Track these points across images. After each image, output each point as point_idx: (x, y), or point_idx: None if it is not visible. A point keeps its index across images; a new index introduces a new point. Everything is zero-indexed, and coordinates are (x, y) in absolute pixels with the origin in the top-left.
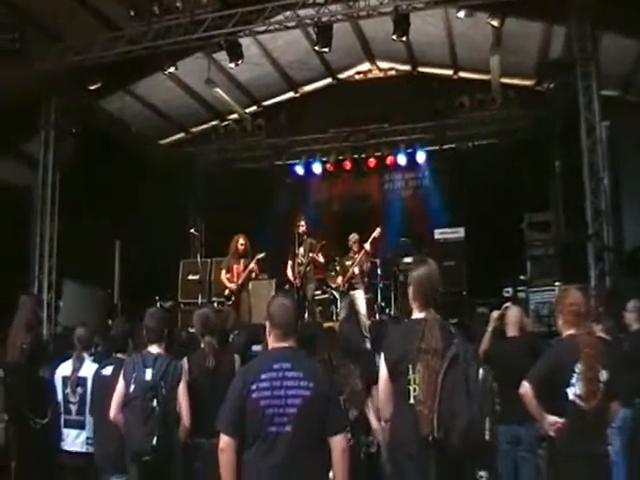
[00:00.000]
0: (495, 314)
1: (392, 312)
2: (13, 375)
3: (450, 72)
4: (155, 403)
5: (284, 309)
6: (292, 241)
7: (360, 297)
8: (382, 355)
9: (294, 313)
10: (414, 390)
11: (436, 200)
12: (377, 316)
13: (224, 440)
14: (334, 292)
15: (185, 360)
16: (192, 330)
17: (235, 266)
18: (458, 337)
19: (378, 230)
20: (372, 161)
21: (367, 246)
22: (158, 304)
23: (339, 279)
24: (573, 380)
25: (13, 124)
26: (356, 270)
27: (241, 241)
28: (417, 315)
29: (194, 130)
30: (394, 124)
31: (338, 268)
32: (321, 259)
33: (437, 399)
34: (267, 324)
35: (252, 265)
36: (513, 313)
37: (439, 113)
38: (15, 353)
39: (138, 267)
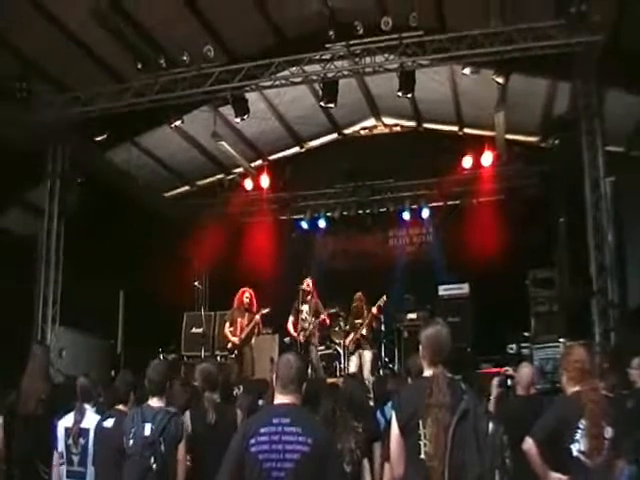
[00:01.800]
0: (496, 382)
1: (395, 368)
2: (28, 425)
3: (455, 128)
4: (153, 460)
5: (289, 364)
6: (296, 297)
7: (368, 358)
8: (393, 413)
9: (298, 370)
10: (424, 445)
11: (440, 256)
12: (380, 372)
13: None
14: (338, 348)
15: (187, 414)
16: (195, 383)
17: (239, 319)
18: (468, 393)
19: (384, 298)
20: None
21: (374, 310)
22: (161, 356)
23: (349, 337)
24: (577, 436)
25: (20, 173)
26: (364, 331)
27: (246, 295)
28: (427, 372)
29: (199, 183)
30: (399, 179)
31: (343, 324)
32: (327, 321)
33: (447, 453)
34: (273, 378)
35: (257, 318)
36: (526, 372)
37: (444, 169)
38: (31, 403)
39: (142, 318)
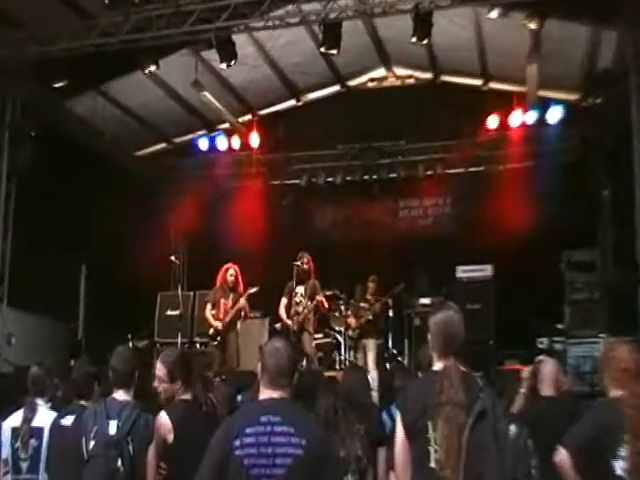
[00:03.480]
0: (526, 372)
1: (405, 361)
2: None
3: (479, 82)
4: (120, 463)
5: (278, 353)
6: (291, 276)
7: (373, 349)
8: (398, 414)
9: (290, 359)
10: (435, 451)
11: (460, 232)
12: (387, 366)
13: None
14: (337, 336)
15: (164, 414)
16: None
17: (222, 301)
18: (485, 389)
19: (401, 286)
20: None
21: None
22: (130, 343)
23: (351, 322)
24: (622, 451)
25: None
26: (369, 317)
27: (231, 272)
28: (436, 366)
29: (177, 140)
30: (412, 141)
31: (344, 309)
32: (326, 304)
33: (462, 460)
34: (259, 369)
35: (242, 301)
36: (548, 368)
37: (465, 130)
38: None
39: (107, 297)
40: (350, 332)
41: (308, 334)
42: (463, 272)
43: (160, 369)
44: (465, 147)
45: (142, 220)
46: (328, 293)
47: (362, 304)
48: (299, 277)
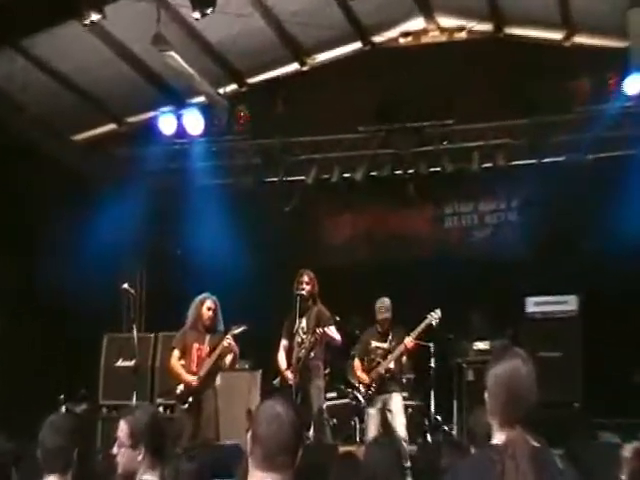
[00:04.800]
0: (629, 450)
1: (454, 430)
2: None
3: (559, 35)
4: None
5: (277, 421)
6: (291, 309)
7: (397, 405)
8: None
9: (293, 429)
10: None
11: (531, 248)
12: (428, 437)
13: None
14: (358, 395)
15: None
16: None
17: (196, 346)
18: (567, 473)
19: (435, 317)
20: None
21: (408, 340)
22: (64, 407)
23: (362, 376)
24: None
25: None
26: (391, 364)
27: (208, 304)
28: (497, 438)
29: (132, 120)
30: (463, 120)
31: (361, 353)
32: (336, 336)
33: None
34: (249, 442)
35: (225, 344)
36: None
37: (540, 104)
38: None
39: (30, 342)
40: (369, 386)
41: (316, 390)
42: (536, 305)
43: (122, 429)
44: (540, 129)
45: (80, 228)
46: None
47: (379, 345)
48: (301, 305)
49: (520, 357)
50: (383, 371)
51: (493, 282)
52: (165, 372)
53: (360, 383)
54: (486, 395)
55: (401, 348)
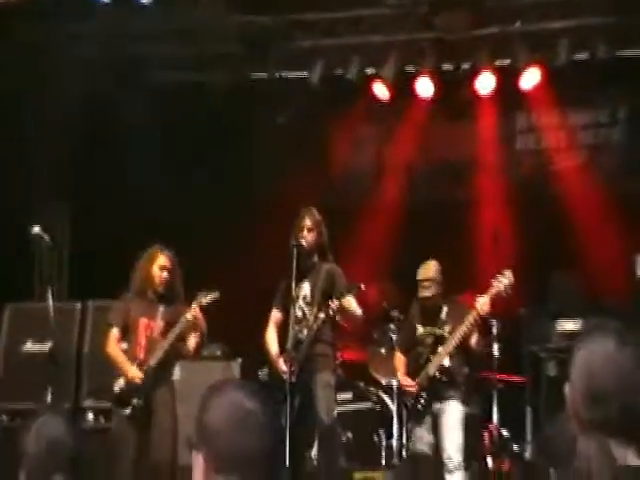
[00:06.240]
0: None
1: (526, 452)
2: None
3: None
4: None
5: (244, 422)
6: (287, 266)
7: (453, 417)
8: None
9: (268, 436)
10: None
11: None
12: (488, 461)
13: None
14: (384, 396)
15: None
16: None
17: (144, 321)
18: None
19: (504, 281)
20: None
21: (482, 305)
22: None
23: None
24: None
25: None
26: (446, 360)
27: (161, 262)
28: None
29: None
30: None
31: (405, 342)
32: (357, 311)
33: None
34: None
35: (188, 316)
36: None
37: None
38: None
39: None
40: (413, 390)
41: (324, 388)
42: None
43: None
44: None
45: None
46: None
47: (432, 330)
48: (303, 265)
49: (621, 336)
50: (435, 373)
51: (586, 229)
52: (98, 360)
53: (403, 391)
54: (567, 389)
55: (462, 330)
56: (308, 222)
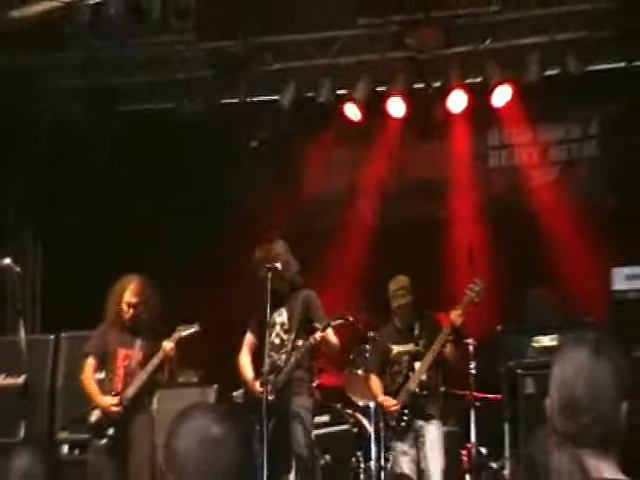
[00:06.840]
0: None
1: (505, 470)
2: None
3: None
4: None
5: (212, 448)
6: (260, 293)
7: (433, 436)
8: None
9: (238, 462)
10: None
11: (616, 196)
12: (470, 478)
13: None
14: (361, 418)
15: None
16: None
17: (122, 352)
18: None
19: (476, 289)
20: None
21: (456, 316)
22: None
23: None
24: None
25: None
26: (423, 377)
27: (127, 298)
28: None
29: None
30: (512, 5)
31: (377, 365)
32: (333, 341)
33: None
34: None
35: (167, 345)
36: None
37: None
38: None
39: None
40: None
41: (301, 412)
42: (627, 280)
43: None
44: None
45: None
46: (338, 322)
47: (401, 349)
48: (278, 290)
49: (598, 350)
50: (415, 388)
51: (562, 245)
52: (72, 392)
53: (385, 411)
54: (547, 405)
55: (438, 343)
56: (278, 248)
